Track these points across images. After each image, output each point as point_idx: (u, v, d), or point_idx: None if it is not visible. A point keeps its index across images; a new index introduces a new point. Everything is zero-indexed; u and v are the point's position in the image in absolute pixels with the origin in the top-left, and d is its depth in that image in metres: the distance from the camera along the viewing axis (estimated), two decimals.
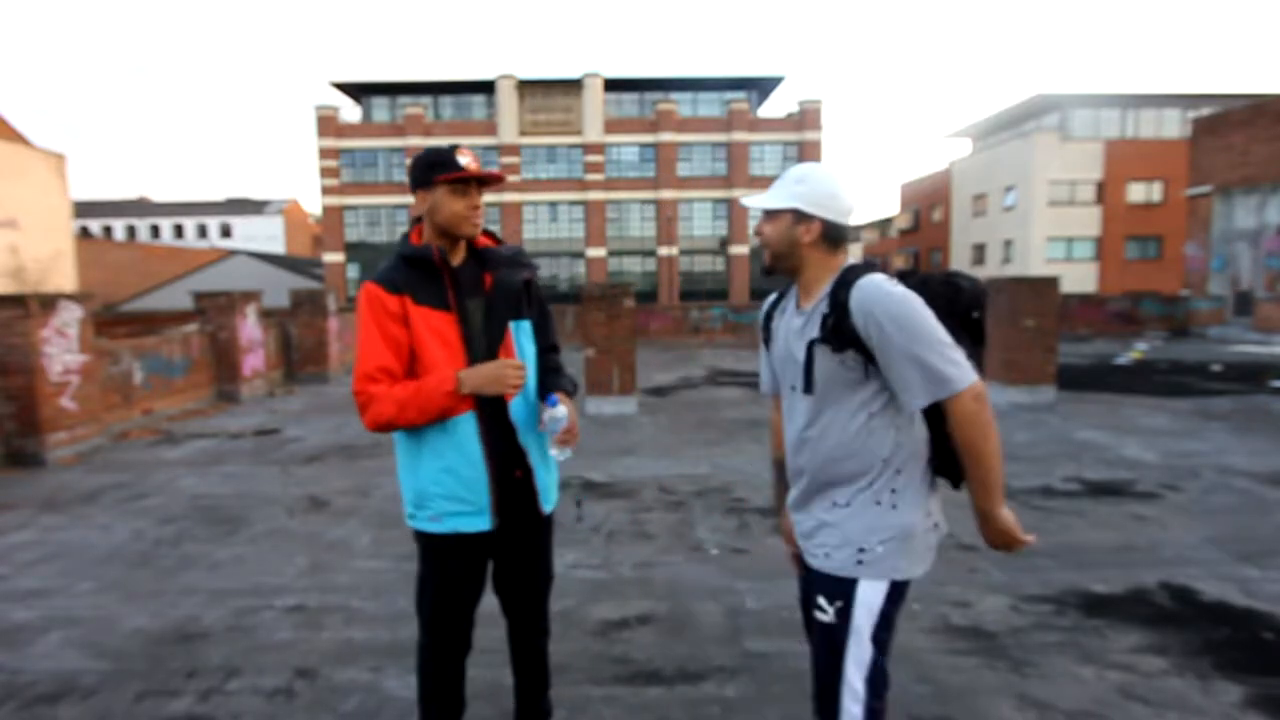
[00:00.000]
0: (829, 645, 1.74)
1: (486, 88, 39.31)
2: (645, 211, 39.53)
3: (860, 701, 1.69)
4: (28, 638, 3.33)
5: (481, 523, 2.04)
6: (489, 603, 2.22)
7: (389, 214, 39.22)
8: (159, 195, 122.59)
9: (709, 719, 2.64)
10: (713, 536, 4.57)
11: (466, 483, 2.01)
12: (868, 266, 1.76)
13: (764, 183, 37.77)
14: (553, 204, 39.15)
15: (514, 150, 38.44)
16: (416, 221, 2.10)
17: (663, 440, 7.56)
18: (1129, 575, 3.85)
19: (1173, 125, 33.54)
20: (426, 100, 40.19)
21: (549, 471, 2.17)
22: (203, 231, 62.94)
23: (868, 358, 1.68)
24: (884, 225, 58.26)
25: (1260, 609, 3.44)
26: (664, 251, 39.16)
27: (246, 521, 5.00)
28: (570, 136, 38.78)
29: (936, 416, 1.72)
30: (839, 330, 1.68)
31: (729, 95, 40.23)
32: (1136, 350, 16.39)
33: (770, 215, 1.81)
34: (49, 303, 6.92)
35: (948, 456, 1.74)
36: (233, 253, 42.05)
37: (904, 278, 1.77)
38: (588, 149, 38.76)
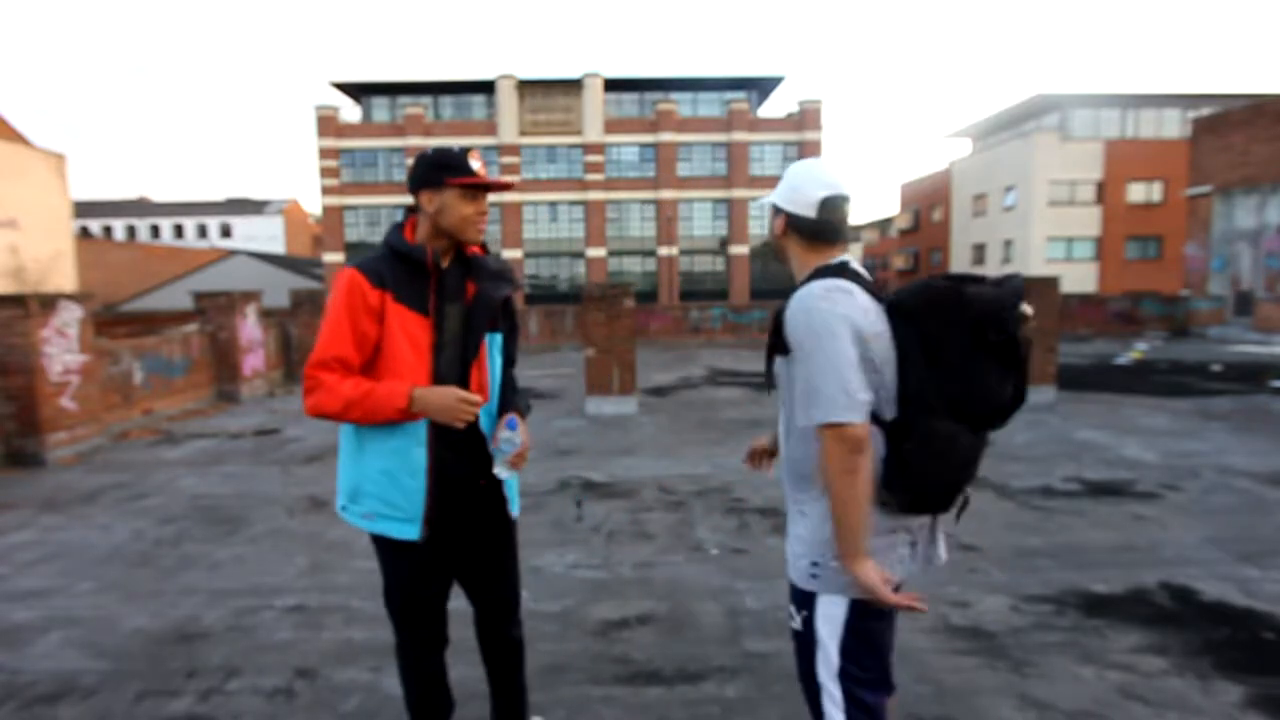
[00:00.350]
0: (800, 651, 1.75)
1: (486, 88, 39.30)
2: (645, 211, 39.52)
3: (839, 706, 1.66)
4: (28, 638, 3.33)
5: (410, 531, 1.98)
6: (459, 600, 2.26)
7: (389, 214, 39.19)
8: (159, 195, 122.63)
9: (709, 719, 2.64)
10: (713, 536, 4.57)
11: (403, 490, 1.97)
12: (839, 269, 1.70)
13: (764, 183, 37.80)
14: (553, 204, 39.13)
15: (514, 150, 38.43)
16: (410, 213, 2.05)
17: (663, 440, 7.55)
18: (1129, 575, 3.85)
19: (1173, 125, 33.53)
20: (426, 100, 40.18)
21: (515, 478, 2.16)
22: (203, 231, 62.92)
23: None
24: (884, 225, 58.27)
25: (1260, 609, 3.44)
26: (664, 251, 39.15)
27: (246, 521, 5.00)
28: (570, 136, 38.77)
29: (896, 433, 1.61)
30: (778, 335, 1.68)
31: (729, 95, 40.22)
32: (1136, 350, 16.39)
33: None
34: (49, 303, 6.92)
35: (894, 475, 1.61)
36: (233, 253, 42.05)
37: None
38: (588, 149, 38.74)
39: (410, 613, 2.12)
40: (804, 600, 1.71)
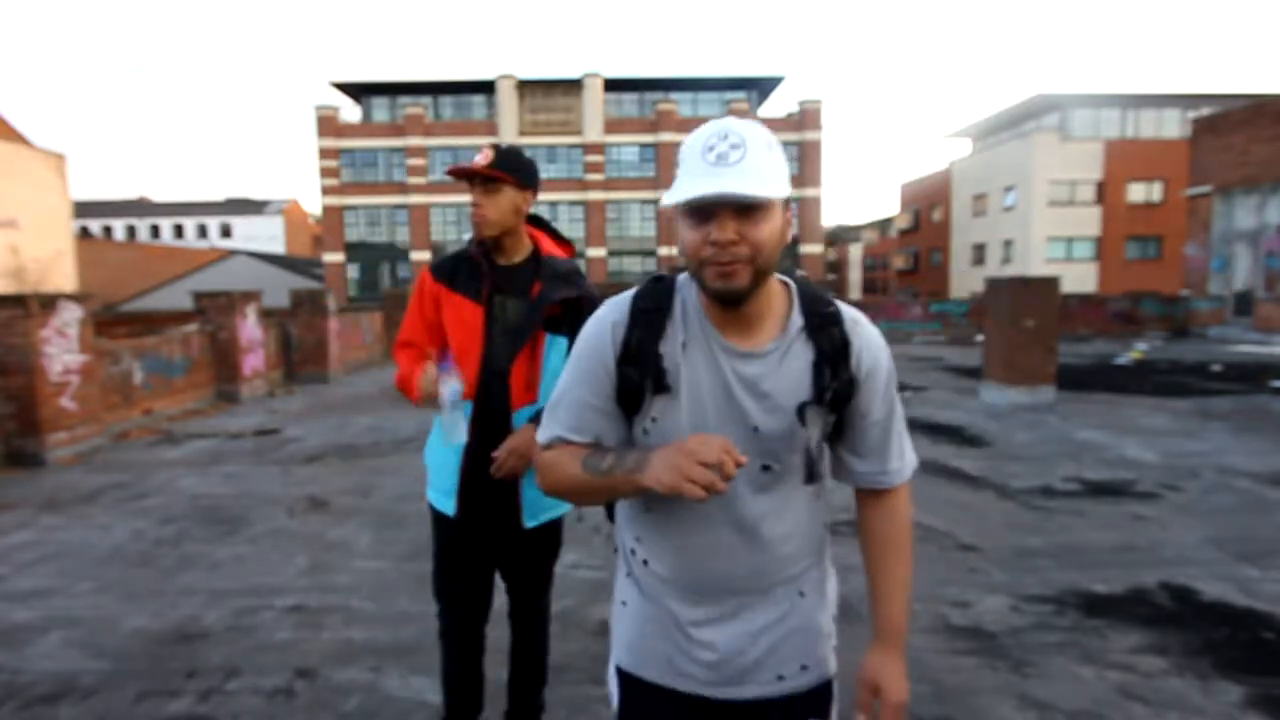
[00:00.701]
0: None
1: (486, 88, 39.30)
2: (645, 211, 39.54)
3: None
4: (28, 638, 3.33)
5: (448, 504, 2.15)
6: (500, 602, 2.26)
7: (389, 214, 39.23)
8: (159, 195, 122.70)
9: None
10: None
11: (445, 463, 2.14)
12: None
13: None
14: (553, 204, 39.12)
15: None
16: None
17: None
18: (1129, 575, 3.85)
19: (1173, 125, 33.54)
20: (426, 100, 40.18)
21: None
22: (203, 231, 62.91)
23: None
24: (884, 225, 58.29)
25: (1260, 609, 3.44)
26: (664, 251, 39.17)
27: (246, 521, 5.00)
28: (570, 136, 38.79)
29: None
30: (841, 368, 1.47)
31: (729, 95, 40.22)
32: (1136, 350, 16.39)
33: None
34: (49, 303, 6.92)
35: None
36: (233, 253, 42.00)
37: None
38: (588, 149, 38.76)
39: (445, 584, 2.24)
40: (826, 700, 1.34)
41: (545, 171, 38.78)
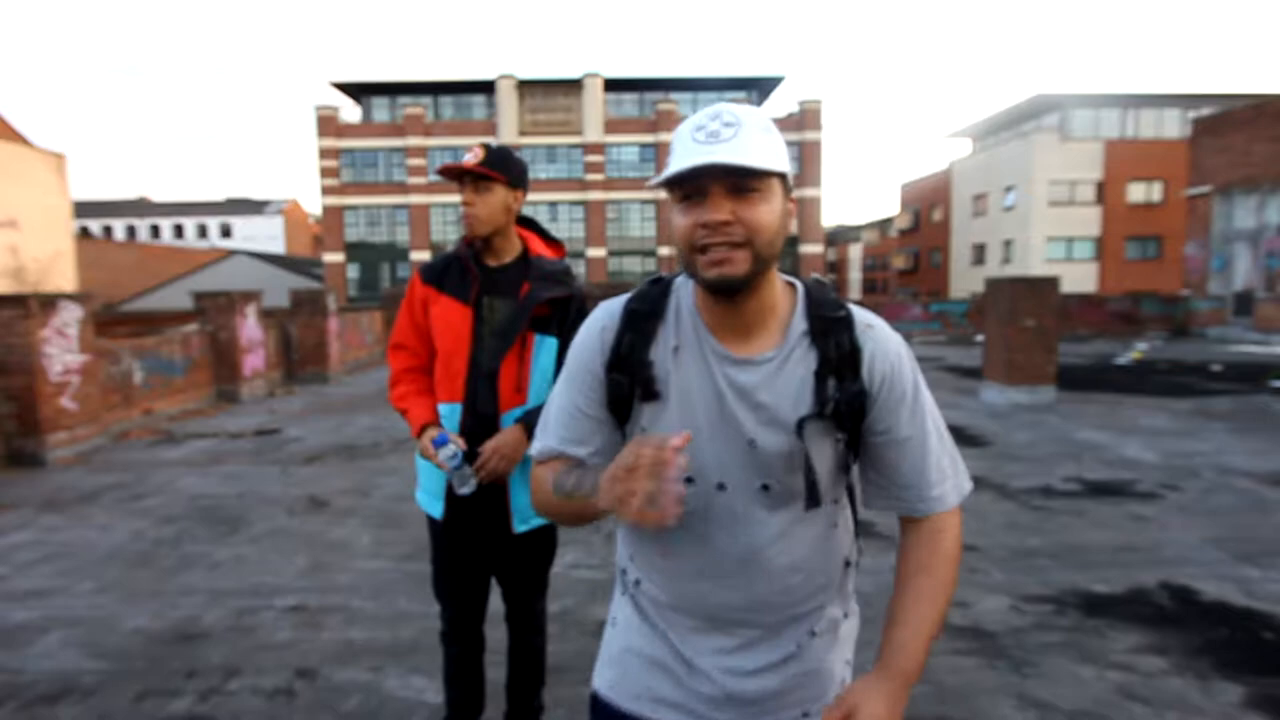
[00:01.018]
0: None
1: (486, 88, 39.30)
2: (645, 211, 39.53)
3: None
4: (28, 638, 3.33)
5: (435, 508, 2.16)
6: (497, 604, 2.26)
7: (389, 214, 39.22)
8: (159, 195, 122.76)
9: None
10: None
11: (433, 467, 2.12)
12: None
13: None
14: (553, 204, 39.13)
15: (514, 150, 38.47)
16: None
17: None
18: (1129, 575, 3.85)
19: (1173, 125, 33.53)
20: (426, 100, 40.19)
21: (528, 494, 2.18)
22: (203, 231, 62.91)
23: None
24: (884, 225, 58.30)
25: (1260, 609, 3.44)
26: (664, 251, 39.17)
27: (246, 521, 5.00)
28: (570, 136, 38.78)
29: None
30: (851, 377, 1.40)
31: (729, 95, 40.17)
32: (1136, 350, 16.40)
33: None
34: (49, 303, 6.92)
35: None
36: (233, 253, 41.99)
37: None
38: (588, 149, 38.75)
39: (442, 585, 2.24)
40: None
41: (545, 171, 38.84)
